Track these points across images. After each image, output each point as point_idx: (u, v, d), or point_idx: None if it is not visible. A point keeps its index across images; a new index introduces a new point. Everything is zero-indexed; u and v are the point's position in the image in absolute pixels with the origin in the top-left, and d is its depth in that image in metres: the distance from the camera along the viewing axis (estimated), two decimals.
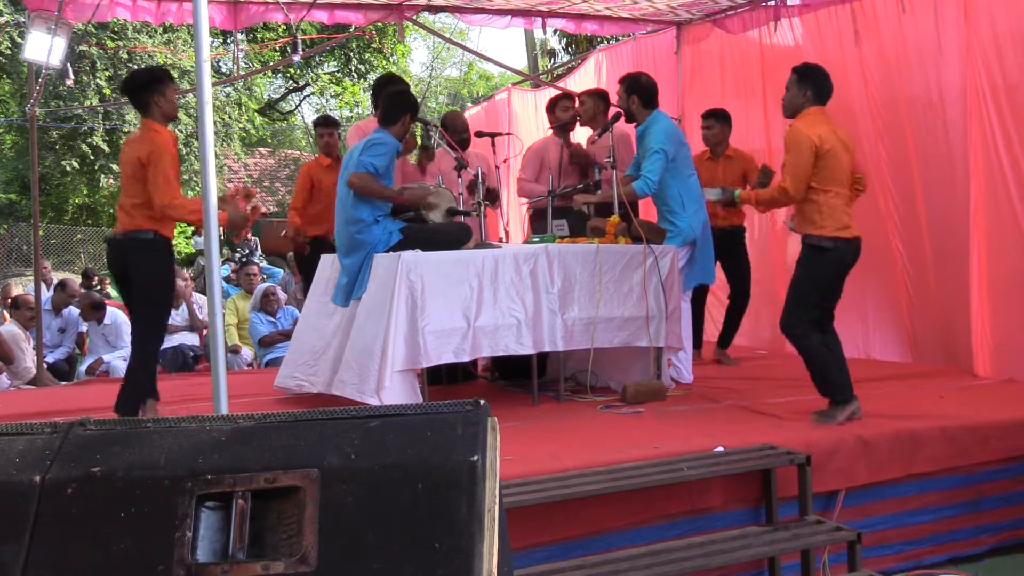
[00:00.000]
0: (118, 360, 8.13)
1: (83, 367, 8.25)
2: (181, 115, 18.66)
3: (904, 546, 3.99)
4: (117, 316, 8.38)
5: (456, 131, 5.89)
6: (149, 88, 4.46)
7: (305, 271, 6.70)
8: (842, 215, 4.23)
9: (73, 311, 8.66)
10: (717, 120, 6.25)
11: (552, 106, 6.22)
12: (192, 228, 17.86)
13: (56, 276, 11.21)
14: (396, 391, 4.29)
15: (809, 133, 4.16)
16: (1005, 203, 5.27)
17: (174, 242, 4.81)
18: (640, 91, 5.32)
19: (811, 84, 4.28)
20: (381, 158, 4.66)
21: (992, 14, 5.32)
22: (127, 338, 8.25)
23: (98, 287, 12.80)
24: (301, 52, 6.89)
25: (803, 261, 4.33)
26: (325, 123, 6.92)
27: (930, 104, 5.77)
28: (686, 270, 5.38)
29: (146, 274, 4.44)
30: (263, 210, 5.96)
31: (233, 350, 7.95)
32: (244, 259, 13.38)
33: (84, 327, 8.66)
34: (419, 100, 5.17)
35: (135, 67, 18.12)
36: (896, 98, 5.99)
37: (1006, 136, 5.25)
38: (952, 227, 5.65)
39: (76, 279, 11.07)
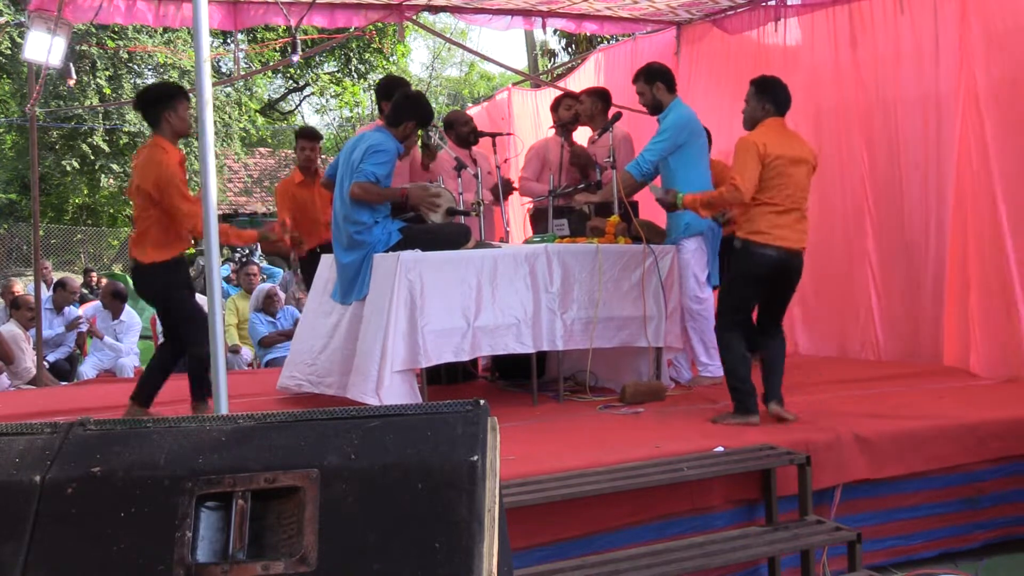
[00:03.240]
0: (123, 360, 8.19)
1: (83, 367, 8.27)
2: None
3: (897, 541, 3.99)
4: (133, 317, 8.48)
5: (458, 124, 5.90)
6: (160, 103, 4.40)
7: (307, 271, 6.61)
8: (776, 227, 4.15)
9: (74, 310, 8.68)
10: None
11: (556, 105, 6.20)
12: None
13: (56, 276, 11.22)
14: (395, 391, 4.29)
15: (754, 138, 4.18)
16: (994, 205, 5.26)
17: None
18: (662, 76, 5.24)
19: (770, 97, 4.28)
20: (383, 166, 4.64)
21: (988, 13, 5.32)
22: (132, 339, 8.39)
23: (97, 286, 12.84)
24: (301, 52, 6.85)
25: (732, 263, 4.37)
26: (310, 136, 6.52)
27: (925, 105, 5.77)
28: (705, 261, 5.20)
29: (164, 298, 4.57)
30: None
31: (233, 350, 7.94)
32: (244, 259, 13.37)
33: (85, 326, 8.65)
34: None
35: (135, 67, 18.11)
36: (892, 99, 5.98)
37: (995, 135, 5.24)
38: (943, 228, 5.64)
39: (77, 278, 11.09)
